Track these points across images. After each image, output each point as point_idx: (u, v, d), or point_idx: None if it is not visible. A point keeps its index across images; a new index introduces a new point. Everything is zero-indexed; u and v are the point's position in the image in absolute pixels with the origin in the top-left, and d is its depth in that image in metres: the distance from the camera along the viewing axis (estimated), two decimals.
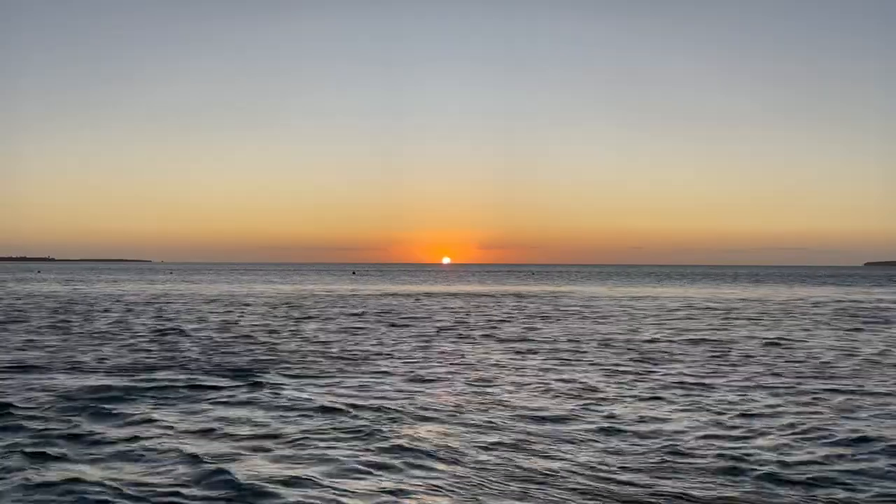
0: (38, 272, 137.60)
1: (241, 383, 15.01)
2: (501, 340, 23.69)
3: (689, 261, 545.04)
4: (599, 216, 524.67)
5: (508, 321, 31.90)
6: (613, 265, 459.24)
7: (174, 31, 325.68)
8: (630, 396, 13.92)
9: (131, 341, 22.74)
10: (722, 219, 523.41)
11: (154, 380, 15.29)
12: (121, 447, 10.06)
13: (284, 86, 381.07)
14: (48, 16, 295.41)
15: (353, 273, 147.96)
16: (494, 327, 28.72)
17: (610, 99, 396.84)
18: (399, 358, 19.30)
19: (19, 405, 12.51)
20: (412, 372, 16.84)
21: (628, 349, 21.54)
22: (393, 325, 29.50)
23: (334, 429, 11.10)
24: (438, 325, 29.64)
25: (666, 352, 20.96)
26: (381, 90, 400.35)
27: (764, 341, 23.72)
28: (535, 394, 14.10)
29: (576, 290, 69.47)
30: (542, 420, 11.87)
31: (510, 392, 14.30)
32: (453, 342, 23.24)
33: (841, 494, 8.33)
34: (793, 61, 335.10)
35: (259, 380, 15.32)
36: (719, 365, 18.35)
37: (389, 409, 12.45)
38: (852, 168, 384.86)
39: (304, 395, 13.61)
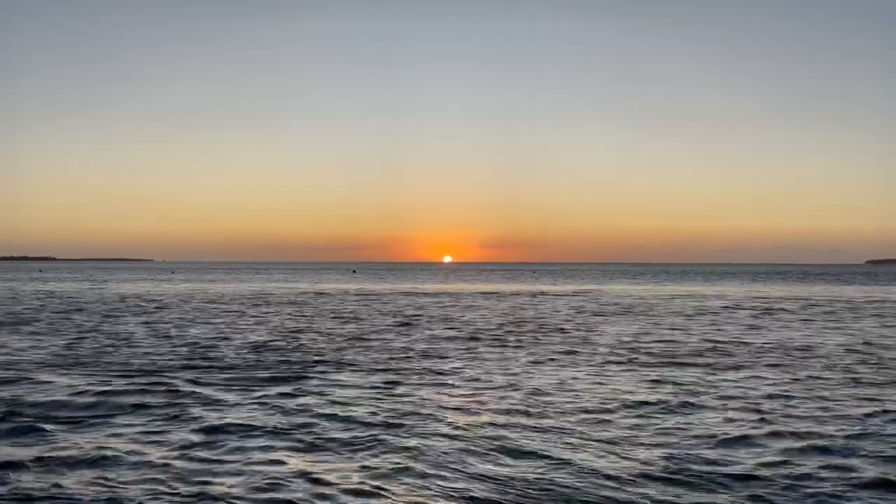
0: (41, 272, 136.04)
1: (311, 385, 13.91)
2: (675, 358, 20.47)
3: (690, 260, 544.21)
4: (600, 216, 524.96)
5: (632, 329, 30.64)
6: (615, 264, 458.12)
7: (174, 31, 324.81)
8: None
9: (173, 342, 21.61)
10: (722, 219, 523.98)
11: (224, 378, 14.28)
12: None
13: (284, 86, 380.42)
14: (48, 16, 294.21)
15: (354, 272, 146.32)
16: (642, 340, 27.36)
17: (610, 99, 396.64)
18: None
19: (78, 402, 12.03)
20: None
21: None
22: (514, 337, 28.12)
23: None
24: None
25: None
26: (381, 90, 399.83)
27: None
28: None
29: (610, 289, 68.27)
30: None
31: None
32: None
33: None
34: (793, 61, 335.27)
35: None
36: None
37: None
38: (852, 168, 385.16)
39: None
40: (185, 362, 17.17)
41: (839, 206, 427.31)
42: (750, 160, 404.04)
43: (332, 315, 32.44)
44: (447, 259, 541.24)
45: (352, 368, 16.37)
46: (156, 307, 37.31)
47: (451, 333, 24.38)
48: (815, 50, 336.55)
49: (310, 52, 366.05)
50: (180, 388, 13.59)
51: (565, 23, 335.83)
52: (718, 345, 21.23)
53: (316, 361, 17.38)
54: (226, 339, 22.36)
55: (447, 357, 18.37)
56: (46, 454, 9.18)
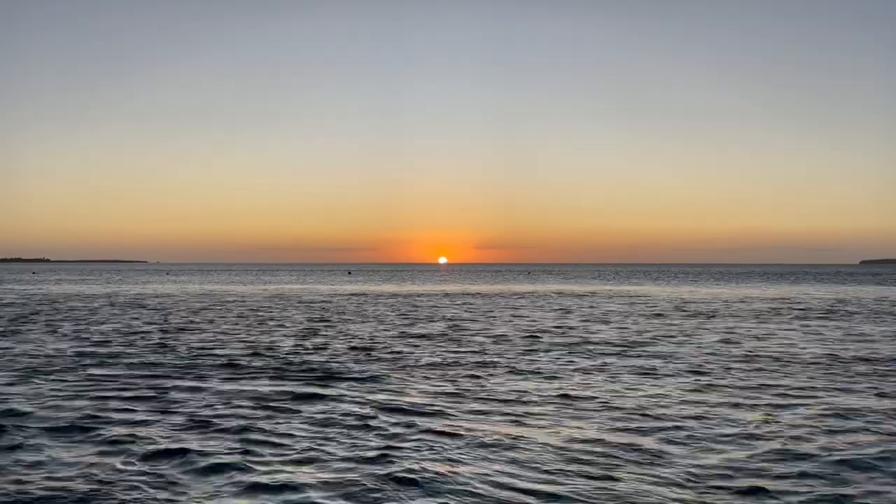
0: (34, 273, 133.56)
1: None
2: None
3: (690, 260, 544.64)
4: (599, 216, 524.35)
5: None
6: (615, 264, 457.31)
7: (174, 31, 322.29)
8: None
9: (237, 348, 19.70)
10: (722, 219, 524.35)
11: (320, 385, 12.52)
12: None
13: (284, 86, 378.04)
14: (48, 16, 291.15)
15: (349, 273, 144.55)
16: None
17: (610, 99, 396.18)
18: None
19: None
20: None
21: None
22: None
23: None
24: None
25: None
26: (380, 90, 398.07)
27: None
28: None
29: (636, 290, 66.53)
30: None
31: None
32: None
33: None
34: (793, 61, 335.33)
35: None
36: None
37: None
38: (852, 168, 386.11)
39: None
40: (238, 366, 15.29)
41: (838, 205, 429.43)
42: (750, 160, 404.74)
43: (373, 317, 30.54)
44: (442, 260, 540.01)
45: (421, 373, 15.16)
46: (184, 309, 35.32)
47: (515, 338, 22.54)
48: (815, 50, 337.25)
49: (310, 52, 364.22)
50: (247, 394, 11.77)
51: (565, 23, 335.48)
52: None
53: (362, 368, 15.63)
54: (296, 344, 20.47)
55: (518, 368, 16.51)
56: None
